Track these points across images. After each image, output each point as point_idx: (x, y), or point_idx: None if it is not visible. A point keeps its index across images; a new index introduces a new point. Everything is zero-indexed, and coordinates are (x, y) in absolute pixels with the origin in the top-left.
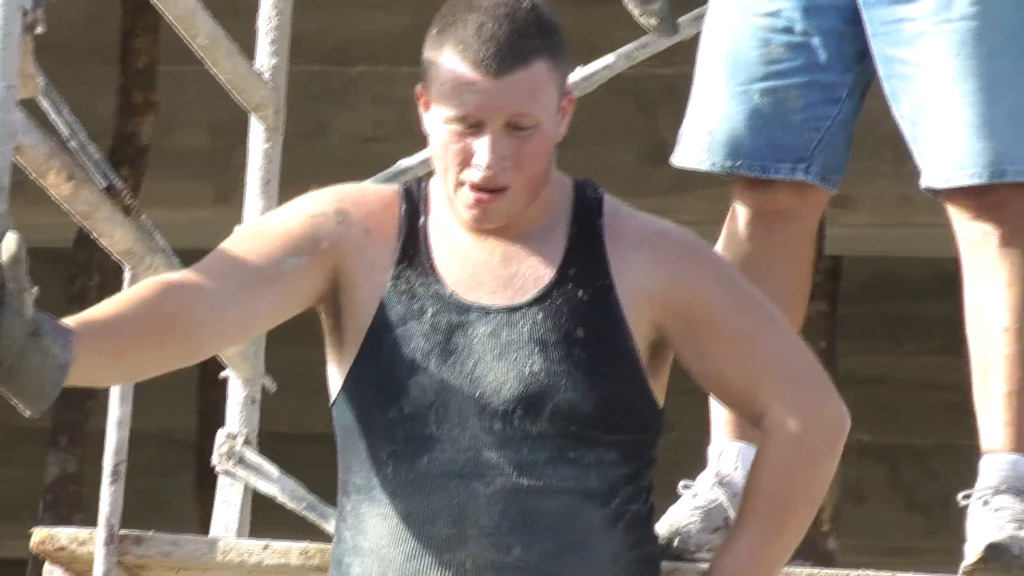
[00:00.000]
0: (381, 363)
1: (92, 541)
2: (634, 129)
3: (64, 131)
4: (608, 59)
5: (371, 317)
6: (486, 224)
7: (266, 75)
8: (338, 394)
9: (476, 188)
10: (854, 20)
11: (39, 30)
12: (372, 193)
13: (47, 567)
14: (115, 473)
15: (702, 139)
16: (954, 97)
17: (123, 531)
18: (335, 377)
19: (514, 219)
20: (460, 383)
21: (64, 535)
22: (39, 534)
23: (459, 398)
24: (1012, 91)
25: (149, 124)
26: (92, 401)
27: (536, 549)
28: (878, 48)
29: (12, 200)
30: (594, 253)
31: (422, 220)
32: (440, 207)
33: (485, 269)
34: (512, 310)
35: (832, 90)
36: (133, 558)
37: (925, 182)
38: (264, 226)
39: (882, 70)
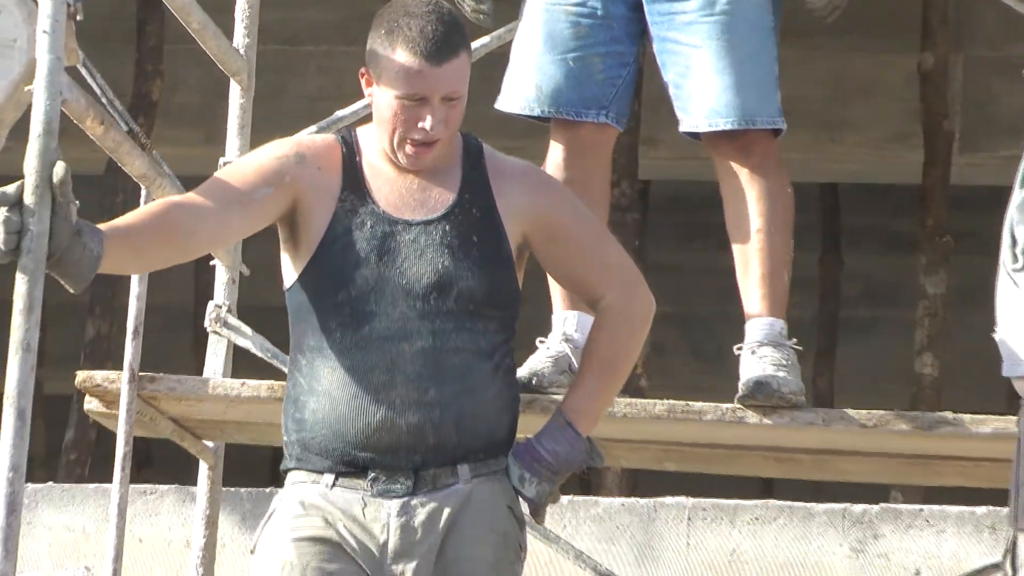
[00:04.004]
0: (334, 260)
1: (119, 380)
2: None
3: (97, 90)
4: (484, 40)
5: (324, 228)
6: (420, 166)
7: (241, 51)
8: (294, 282)
9: (416, 143)
10: (638, 8)
11: (79, 18)
12: (320, 140)
13: (87, 399)
14: (135, 333)
15: (531, 92)
16: (716, 68)
17: (141, 373)
18: (290, 270)
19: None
20: (392, 274)
21: (100, 376)
22: (81, 376)
23: (391, 285)
24: (757, 66)
25: (157, 87)
26: (119, 281)
27: (445, 390)
28: (655, 31)
29: (61, 139)
30: (482, 183)
31: (358, 159)
32: (369, 149)
33: (407, 194)
34: (427, 223)
35: (623, 57)
36: (148, 393)
37: (686, 127)
38: (243, 164)
39: (657, 46)
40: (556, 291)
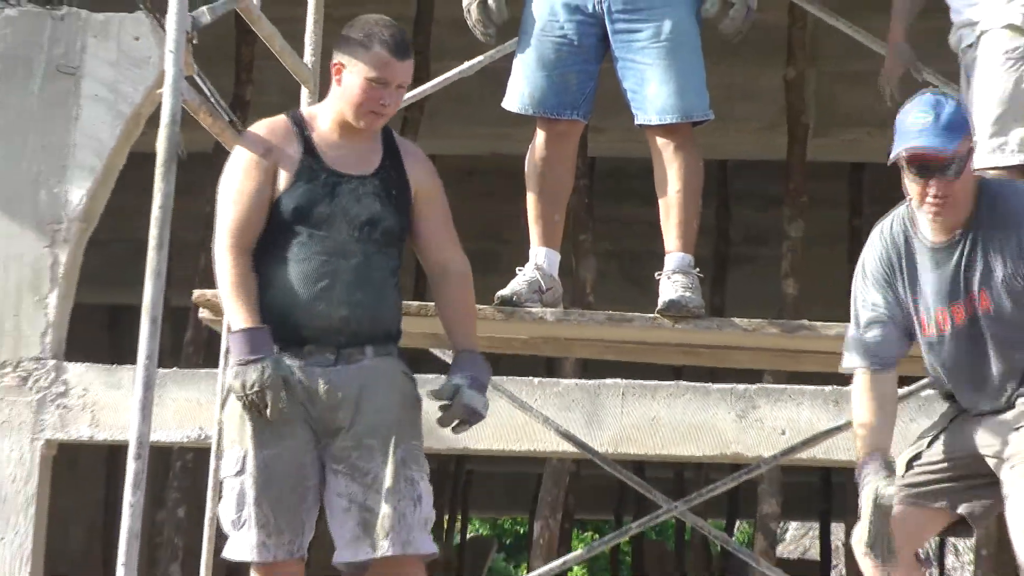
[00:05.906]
0: (297, 199)
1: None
2: (497, 97)
3: (207, 92)
4: (480, 58)
5: (291, 178)
6: (373, 128)
7: (309, 65)
8: (269, 212)
9: (375, 113)
10: (603, 39)
11: (194, 42)
12: (277, 123)
13: (201, 310)
14: None
15: (527, 97)
16: (663, 80)
17: None
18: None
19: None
20: (338, 212)
21: (210, 293)
22: (197, 294)
23: (338, 219)
24: (692, 76)
25: (251, 90)
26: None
27: (367, 295)
28: (618, 53)
29: (182, 127)
30: (396, 155)
31: (307, 132)
32: (321, 123)
33: (348, 156)
34: (363, 177)
35: (591, 74)
36: None
37: (641, 121)
38: (244, 182)
39: (619, 64)
40: (533, 232)
